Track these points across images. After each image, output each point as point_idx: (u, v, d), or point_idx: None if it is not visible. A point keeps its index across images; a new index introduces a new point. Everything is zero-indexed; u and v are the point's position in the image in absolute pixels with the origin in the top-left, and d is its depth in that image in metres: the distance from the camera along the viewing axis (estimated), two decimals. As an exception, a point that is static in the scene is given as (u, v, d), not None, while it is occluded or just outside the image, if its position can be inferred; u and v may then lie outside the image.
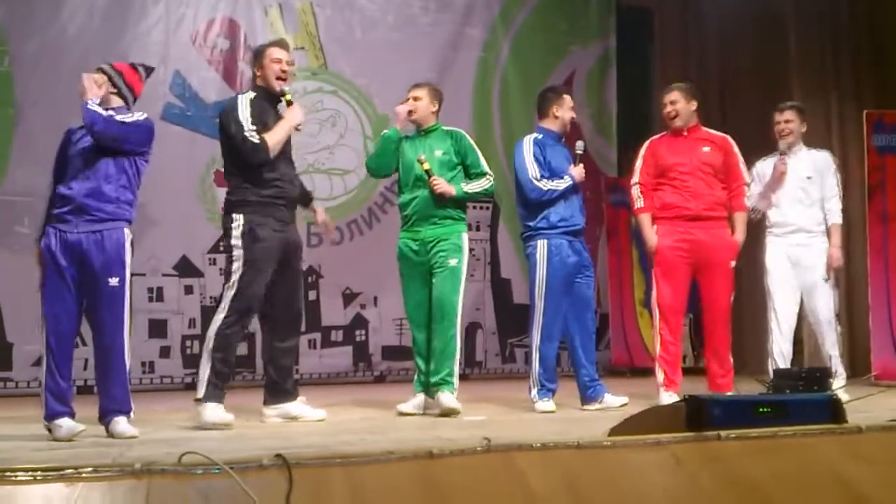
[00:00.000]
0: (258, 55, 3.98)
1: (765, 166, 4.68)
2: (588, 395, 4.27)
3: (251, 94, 3.92)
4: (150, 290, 5.85)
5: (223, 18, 6.21)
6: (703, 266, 4.41)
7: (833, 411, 2.81)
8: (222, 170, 5.95)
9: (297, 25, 6.35)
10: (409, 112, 4.25)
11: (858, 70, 6.41)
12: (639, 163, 4.54)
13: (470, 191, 4.25)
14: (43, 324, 3.31)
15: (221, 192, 6.10)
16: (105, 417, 3.36)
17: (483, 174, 4.27)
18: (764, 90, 6.38)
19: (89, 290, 3.34)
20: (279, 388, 3.87)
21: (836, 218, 4.62)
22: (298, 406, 3.87)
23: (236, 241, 3.76)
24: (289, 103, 3.91)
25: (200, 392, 3.65)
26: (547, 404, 4.16)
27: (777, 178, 4.58)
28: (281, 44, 4.07)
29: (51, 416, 3.27)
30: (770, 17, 6.62)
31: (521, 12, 6.97)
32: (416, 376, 4.22)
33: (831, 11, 6.46)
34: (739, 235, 4.49)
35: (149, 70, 3.66)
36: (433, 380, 4.09)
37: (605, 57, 7.20)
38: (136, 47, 5.91)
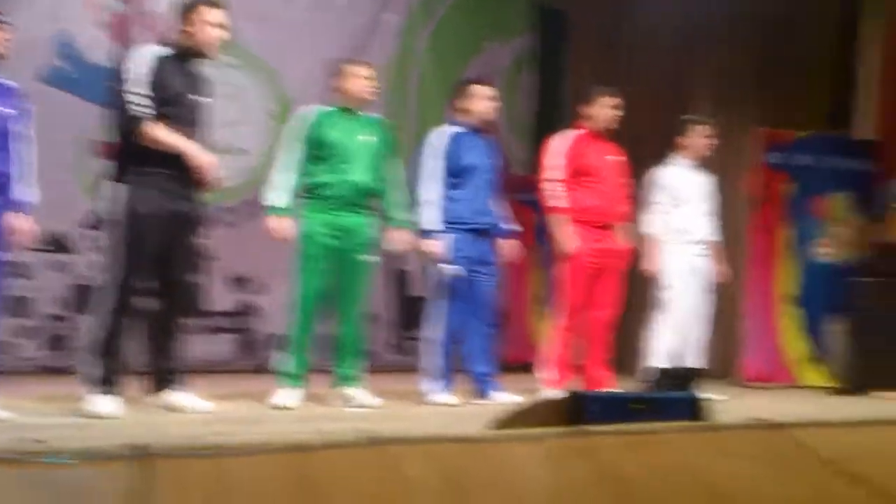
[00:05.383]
0: (189, 10, 3.53)
1: (665, 175, 4.74)
2: (478, 390, 4.27)
3: (163, 51, 3.50)
4: (15, 265, 5.46)
5: (119, -23, 5.85)
6: (605, 272, 4.47)
7: (694, 409, 2.90)
8: (102, 139, 5.69)
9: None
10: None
11: (757, 83, 6.57)
12: (559, 160, 4.41)
13: (410, 217, 4.14)
14: None
15: (99, 164, 5.82)
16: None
17: (400, 188, 4.13)
18: (666, 99, 6.50)
19: None
20: (161, 376, 3.59)
21: (719, 235, 4.85)
22: (183, 395, 3.56)
23: (113, 215, 3.44)
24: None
25: (94, 389, 3.38)
26: (446, 397, 4.14)
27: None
28: (220, 4, 3.57)
29: None
30: (678, 27, 6.74)
31: (442, 4, 6.91)
32: (288, 367, 3.99)
33: (731, 25, 6.56)
34: (630, 243, 4.58)
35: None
36: (347, 372, 3.99)
37: (523, 55, 7.22)
38: (23, 3, 5.49)
